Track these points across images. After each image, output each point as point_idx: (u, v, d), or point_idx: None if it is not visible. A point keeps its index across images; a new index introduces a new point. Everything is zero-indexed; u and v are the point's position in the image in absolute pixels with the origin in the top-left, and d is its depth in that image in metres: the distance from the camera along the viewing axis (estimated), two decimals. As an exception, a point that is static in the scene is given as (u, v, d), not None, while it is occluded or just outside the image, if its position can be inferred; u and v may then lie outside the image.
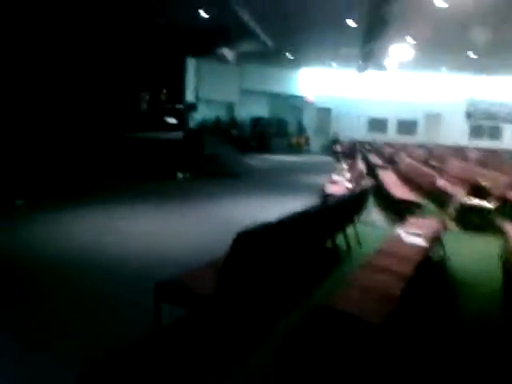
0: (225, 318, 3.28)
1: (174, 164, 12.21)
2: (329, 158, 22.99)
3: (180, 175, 11.98)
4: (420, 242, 4.76)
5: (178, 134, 14.73)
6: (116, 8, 13.55)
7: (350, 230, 6.10)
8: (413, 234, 4.98)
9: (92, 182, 10.09)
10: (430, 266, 5.18)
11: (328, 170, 17.20)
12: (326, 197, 7.64)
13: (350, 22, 13.22)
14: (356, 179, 8.86)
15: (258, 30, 14.83)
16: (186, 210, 8.18)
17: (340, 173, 11.31)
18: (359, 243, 6.09)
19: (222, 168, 13.06)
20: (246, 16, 13.10)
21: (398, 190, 8.87)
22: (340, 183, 9.17)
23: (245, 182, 12.46)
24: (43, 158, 9.53)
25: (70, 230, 6.41)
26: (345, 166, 13.33)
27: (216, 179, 12.24)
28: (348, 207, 5.65)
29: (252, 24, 13.98)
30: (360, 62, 18.52)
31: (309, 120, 27.72)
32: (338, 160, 18.64)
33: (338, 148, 24.05)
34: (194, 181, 11.84)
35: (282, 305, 4.00)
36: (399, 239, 4.87)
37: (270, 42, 16.65)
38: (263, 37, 15.64)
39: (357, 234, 6.21)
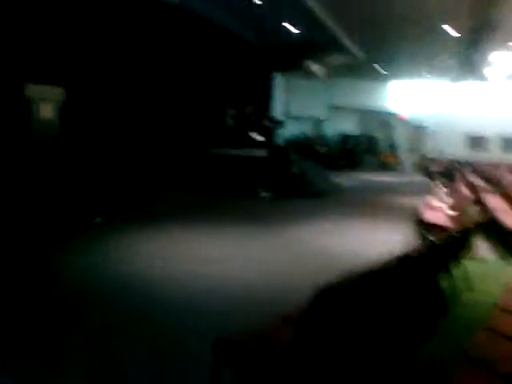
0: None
1: (257, 182, 11.72)
2: (422, 179, 21.49)
3: (263, 194, 11.45)
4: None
5: (264, 152, 14.29)
6: (202, 23, 13.48)
7: (455, 269, 5.14)
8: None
9: (171, 199, 9.83)
10: None
11: (422, 191, 15.93)
12: (423, 227, 6.69)
13: (448, 28, 12.10)
14: (459, 205, 7.77)
15: (348, 42, 14.10)
16: (265, 234, 7.57)
17: (438, 196, 10.18)
18: (469, 286, 5.10)
19: (307, 187, 12.37)
20: (335, 28, 12.45)
21: (510, 218, 7.65)
22: (439, 209, 8.11)
23: (332, 203, 11.66)
24: (124, 174, 9.43)
25: (142, 252, 6.04)
26: (443, 188, 12.08)
27: (301, 199, 11.57)
28: (456, 244, 4.72)
29: (342, 36, 13.29)
30: (456, 71, 17.09)
31: (400, 137, 26.27)
32: (434, 181, 17.22)
33: (434, 167, 22.44)
34: (278, 200, 11.25)
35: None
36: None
37: (360, 54, 15.84)
38: (353, 49, 14.87)
39: (466, 275, 5.22)
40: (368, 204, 11.87)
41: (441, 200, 9.52)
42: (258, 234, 7.53)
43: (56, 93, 9.07)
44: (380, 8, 11.16)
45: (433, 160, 24.04)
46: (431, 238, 6.73)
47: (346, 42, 14.04)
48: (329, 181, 14.44)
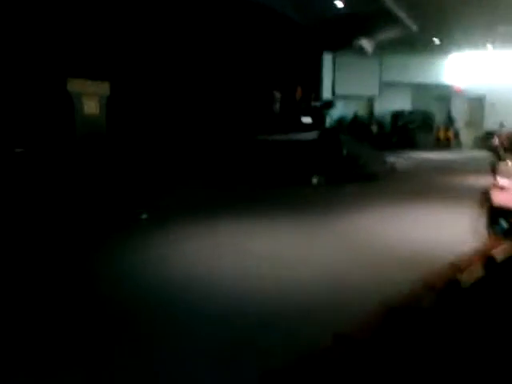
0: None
1: (308, 167, 11.28)
2: (484, 154, 20.26)
3: (315, 180, 11.01)
4: None
5: (313, 135, 13.80)
6: (247, 5, 13.06)
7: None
8: None
9: (218, 190, 9.57)
10: None
11: (485, 168, 14.94)
12: (494, 212, 6.09)
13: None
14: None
15: (401, 14, 13.24)
16: (318, 225, 7.18)
17: (506, 174, 9.40)
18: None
19: (361, 170, 11.80)
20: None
21: None
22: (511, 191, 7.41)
23: (387, 185, 11.07)
24: (170, 163, 9.27)
25: (187, 252, 5.80)
26: (510, 164, 11.20)
27: (354, 183, 11.04)
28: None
29: (394, 7, 12.47)
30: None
31: (458, 111, 24.82)
32: (497, 156, 16.14)
33: (496, 141, 21.11)
34: (331, 186, 10.78)
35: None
36: None
37: (414, 27, 14.89)
38: (407, 21, 13.97)
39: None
40: (427, 186, 11.19)
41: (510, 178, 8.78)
42: (314, 225, 7.15)
43: (101, 87, 8.95)
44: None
45: (493, 133, 22.62)
46: (504, 224, 6.13)
47: (399, 13, 13.15)
48: (383, 162, 13.75)
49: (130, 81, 9.61)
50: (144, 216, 7.24)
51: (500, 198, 6.57)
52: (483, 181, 12.18)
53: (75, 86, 8.49)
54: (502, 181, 8.38)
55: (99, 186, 7.63)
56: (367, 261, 5.43)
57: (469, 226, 7.07)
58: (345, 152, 11.78)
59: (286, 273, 5.01)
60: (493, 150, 19.81)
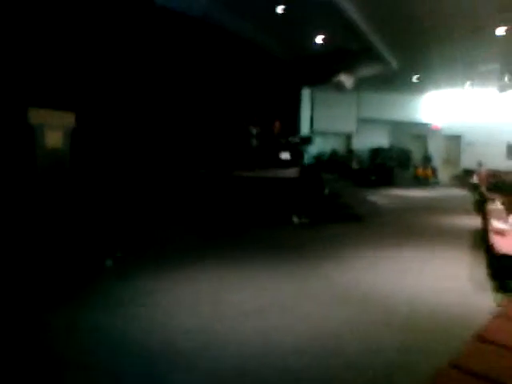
0: None
1: (288, 206, 10.63)
2: (462, 192, 20.07)
3: (296, 219, 10.35)
4: None
5: (293, 172, 13.23)
6: (224, 36, 12.62)
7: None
8: None
9: (194, 232, 8.79)
10: None
11: (467, 207, 14.61)
12: (499, 260, 5.49)
13: (500, 31, 10.89)
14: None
15: (383, 50, 12.99)
16: (303, 273, 6.45)
17: (497, 216, 8.92)
18: None
19: (343, 209, 11.23)
20: (371, 34, 11.36)
21: None
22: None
23: (373, 226, 10.48)
24: (141, 202, 8.48)
25: (160, 309, 5.00)
26: (498, 205, 10.77)
27: (338, 224, 10.43)
28: None
29: (377, 44, 12.20)
30: (505, 79, 15.74)
31: (435, 149, 24.82)
32: (480, 195, 15.81)
33: (475, 179, 20.98)
34: (313, 227, 10.12)
35: None
36: None
37: (394, 64, 14.70)
38: (388, 58, 13.74)
39: None
40: (415, 227, 10.64)
41: (504, 221, 8.27)
42: (299, 273, 6.41)
43: (66, 118, 8.20)
44: (418, 10, 10.06)
45: (472, 172, 22.55)
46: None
47: (382, 49, 12.89)
48: (364, 200, 13.24)
49: (98, 111, 8.88)
50: (109, 263, 6.41)
51: (503, 245, 5.98)
52: (468, 221, 11.83)
53: (37, 116, 7.69)
54: (496, 224, 7.87)
55: (57, 228, 6.78)
56: (360, 321, 4.72)
57: (466, 275, 6.49)
58: (327, 191, 11.21)
59: (270, 334, 4.27)
60: (473, 188, 19.67)
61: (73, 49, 8.41)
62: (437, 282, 6.16)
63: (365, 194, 14.33)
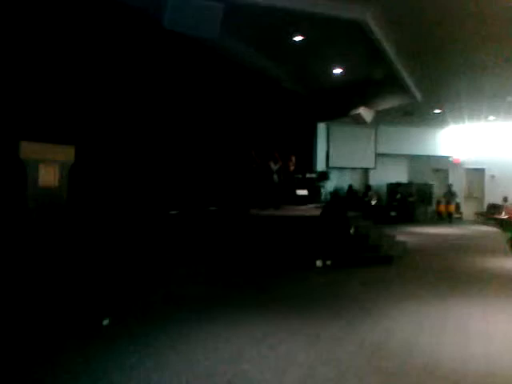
0: None
1: (310, 248, 9.58)
2: (489, 229, 18.87)
3: (319, 263, 9.28)
4: None
5: (313, 209, 12.27)
6: (235, 68, 11.90)
7: None
8: None
9: (206, 280, 7.73)
10: None
11: (501, 246, 13.46)
12: None
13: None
14: None
15: (408, 80, 12.11)
16: (333, 334, 5.33)
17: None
18: None
19: (371, 252, 10.13)
20: (396, 63, 10.50)
21: None
22: None
23: (405, 272, 9.36)
24: (147, 247, 7.51)
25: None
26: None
27: (366, 268, 9.33)
28: None
29: (402, 72, 11.33)
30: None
31: (456, 183, 23.67)
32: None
33: (502, 215, 19.85)
34: (338, 271, 9.04)
35: None
36: None
37: (419, 95, 13.80)
38: (412, 88, 12.85)
39: None
40: (452, 271, 9.50)
41: None
42: (327, 336, 5.30)
43: (63, 153, 7.33)
44: (450, 37, 9.24)
45: (498, 207, 21.38)
46: None
47: (408, 79, 12.00)
48: (394, 241, 12.14)
49: (101, 144, 8.03)
50: (106, 322, 5.38)
51: None
52: (505, 259, 10.70)
53: (29, 150, 6.83)
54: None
55: (47, 279, 5.80)
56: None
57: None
58: (352, 231, 10.16)
59: None
60: (503, 225, 18.48)
61: (72, 74, 7.63)
62: (500, 341, 5.04)
63: (389, 232, 13.21)
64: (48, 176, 7.04)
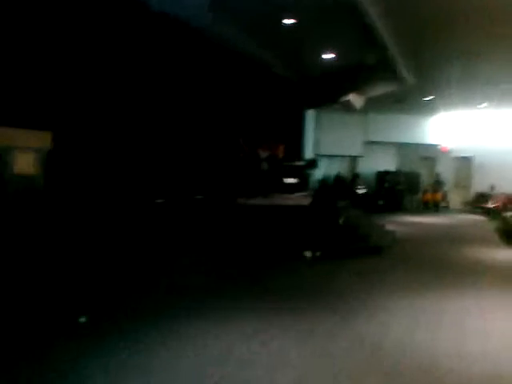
0: None
1: (299, 238, 9.31)
2: (477, 218, 18.77)
3: (309, 254, 9.01)
4: None
5: (302, 198, 11.99)
6: (227, 54, 11.48)
7: None
8: None
9: (190, 272, 7.39)
10: None
11: (490, 235, 13.35)
12: None
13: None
14: None
15: (401, 64, 11.78)
16: (327, 333, 5.06)
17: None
18: None
19: (361, 242, 9.89)
20: (389, 45, 10.17)
21: None
22: None
23: (396, 263, 9.15)
24: (128, 237, 7.16)
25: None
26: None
27: (356, 258, 9.09)
28: None
29: (395, 56, 11.00)
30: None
31: (444, 172, 23.54)
32: (504, 222, 14.46)
33: (490, 204, 19.79)
34: (328, 262, 8.78)
35: None
36: None
37: (411, 80, 13.48)
38: (405, 72, 12.53)
39: None
40: (443, 262, 9.32)
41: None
42: (320, 333, 5.03)
43: (39, 139, 6.92)
44: (447, 18, 8.93)
45: (486, 196, 21.31)
46: None
47: (400, 63, 11.65)
48: (380, 229, 11.92)
49: (80, 129, 7.61)
50: (83, 319, 5.04)
51: None
52: (504, 253, 10.52)
53: (4, 137, 6.42)
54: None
55: (19, 271, 5.45)
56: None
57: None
58: (342, 221, 9.90)
59: None
60: (490, 214, 18.39)
61: (48, 57, 7.18)
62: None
63: (378, 222, 13.01)
64: (23, 162, 6.63)
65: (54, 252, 5.90)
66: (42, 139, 6.89)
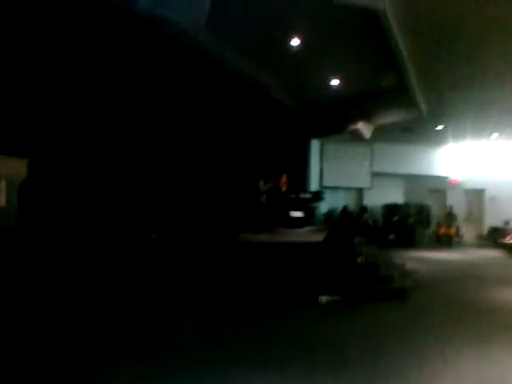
0: None
1: (312, 281, 8.19)
2: (494, 254, 17.66)
3: (323, 299, 7.87)
4: None
5: (312, 234, 10.93)
6: (227, 78, 10.64)
7: None
8: None
9: (187, 321, 6.23)
10: None
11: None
12: None
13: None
14: None
15: (416, 89, 10.91)
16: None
17: None
18: None
19: (382, 284, 8.76)
20: (406, 65, 9.30)
21: None
22: None
23: (423, 309, 7.98)
24: (116, 279, 6.06)
25: None
26: None
27: (378, 303, 7.93)
28: None
29: (411, 79, 10.14)
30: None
31: (454, 205, 22.55)
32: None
33: (508, 239, 18.71)
34: (347, 309, 7.62)
35: None
36: None
37: (424, 108, 12.60)
38: (419, 99, 11.65)
39: None
40: (476, 307, 8.16)
41: None
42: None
43: (12, 167, 5.91)
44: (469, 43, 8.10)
45: (501, 230, 20.25)
46: None
47: (416, 88, 10.77)
48: (400, 268, 10.80)
49: (60, 158, 6.61)
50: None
51: None
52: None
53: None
54: None
55: None
56: None
57: None
58: (360, 259, 8.80)
59: None
60: (504, 247, 17.38)
61: (26, 75, 6.24)
62: None
63: (398, 260, 11.91)
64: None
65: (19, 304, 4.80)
66: (15, 167, 5.86)
